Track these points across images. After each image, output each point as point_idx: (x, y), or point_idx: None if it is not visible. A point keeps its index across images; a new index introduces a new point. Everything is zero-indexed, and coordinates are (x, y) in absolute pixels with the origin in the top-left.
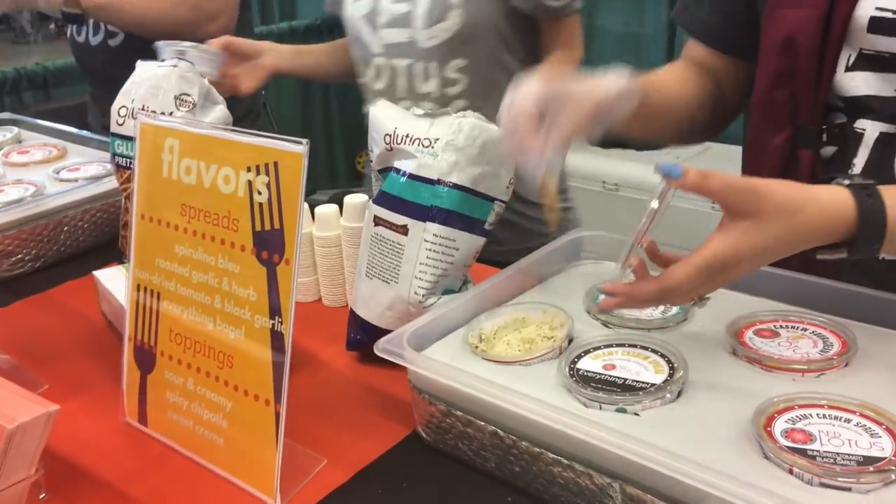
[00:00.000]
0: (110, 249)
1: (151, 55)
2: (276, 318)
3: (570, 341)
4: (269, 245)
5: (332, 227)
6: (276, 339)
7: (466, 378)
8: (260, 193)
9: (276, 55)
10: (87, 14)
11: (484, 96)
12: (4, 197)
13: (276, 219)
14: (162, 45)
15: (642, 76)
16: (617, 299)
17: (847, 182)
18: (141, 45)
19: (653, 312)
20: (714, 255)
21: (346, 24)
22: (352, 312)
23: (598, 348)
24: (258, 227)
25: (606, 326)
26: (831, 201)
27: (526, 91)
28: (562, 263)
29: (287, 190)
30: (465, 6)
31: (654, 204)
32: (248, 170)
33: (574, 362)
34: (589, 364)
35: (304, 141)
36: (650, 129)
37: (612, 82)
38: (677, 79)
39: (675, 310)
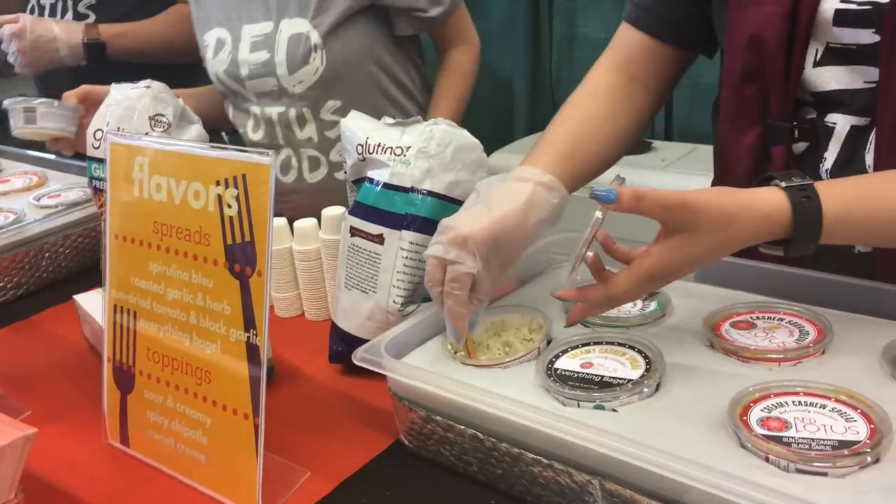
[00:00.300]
0: (93, 274)
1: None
2: (251, 330)
3: (549, 342)
4: (241, 258)
5: (311, 241)
6: (252, 352)
7: (444, 382)
8: (230, 207)
9: None
10: (108, 43)
11: None
12: None
13: (247, 231)
14: (8, 104)
15: (565, 167)
16: (580, 307)
17: (784, 184)
18: (116, 71)
19: (631, 309)
20: (652, 265)
21: (211, 77)
22: (333, 325)
23: (576, 347)
24: (229, 241)
25: (585, 326)
26: (767, 206)
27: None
28: (541, 266)
29: (256, 202)
30: (327, 46)
31: (598, 213)
32: (218, 184)
33: (552, 362)
34: (566, 363)
35: (271, 152)
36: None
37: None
38: (606, 117)
39: (652, 306)
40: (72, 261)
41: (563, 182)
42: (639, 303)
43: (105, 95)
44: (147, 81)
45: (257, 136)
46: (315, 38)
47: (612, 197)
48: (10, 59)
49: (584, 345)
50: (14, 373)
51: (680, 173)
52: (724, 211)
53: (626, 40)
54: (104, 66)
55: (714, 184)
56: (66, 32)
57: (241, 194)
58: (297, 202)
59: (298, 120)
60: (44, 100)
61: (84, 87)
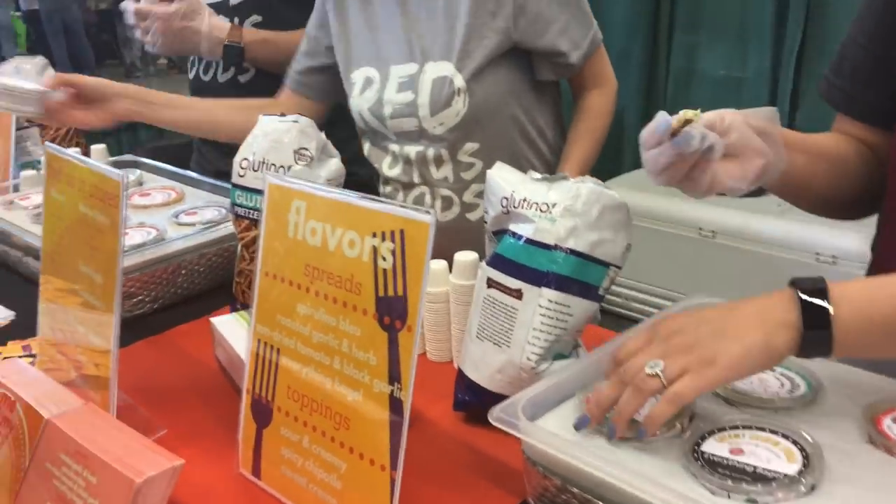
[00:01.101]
0: (223, 293)
1: (276, 90)
2: (396, 384)
3: (692, 418)
4: (392, 311)
5: (440, 283)
6: (395, 405)
7: (585, 455)
8: (384, 260)
9: (131, 103)
10: (247, 48)
11: None
12: (130, 240)
13: (400, 285)
14: None
15: (790, 136)
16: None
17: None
18: (269, 81)
19: (779, 390)
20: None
21: (353, 114)
22: (460, 372)
23: (724, 429)
24: (381, 293)
25: (728, 403)
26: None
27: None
28: None
29: (413, 258)
30: (470, 90)
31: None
32: (374, 236)
33: (698, 444)
34: (715, 447)
35: (431, 211)
36: (788, 195)
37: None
38: (833, 143)
39: (802, 388)
40: (205, 278)
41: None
42: (787, 383)
43: (88, 89)
44: (294, 116)
45: (393, 172)
46: (459, 81)
47: None
48: (149, 37)
49: (732, 427)
50: (148, 387)
51: (795, 220)
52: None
53: (840, 125)
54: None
55: (876, 243)
56: (212, 29)
57: (398, 249)
58: None
59: (436, 160)
60: (5, 80)
61: (64, 76)
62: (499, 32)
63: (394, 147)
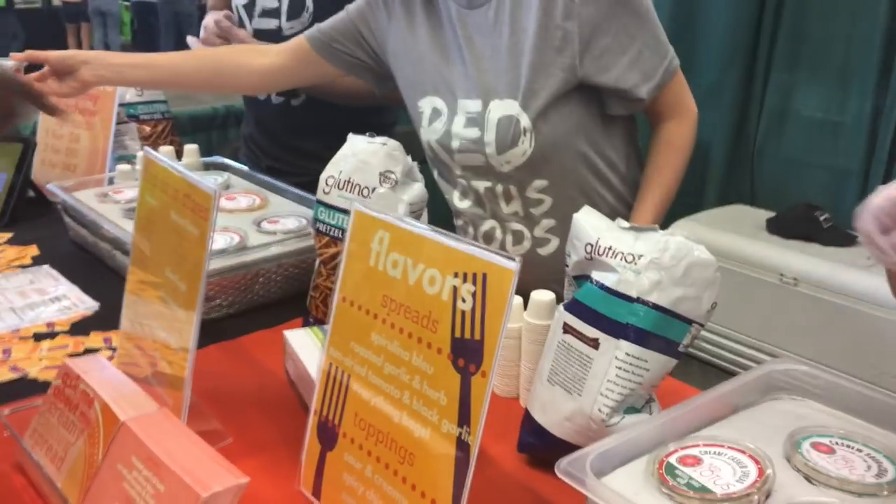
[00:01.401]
0: (297, 304)
1: (325, 113)
2: (465, 427)
3: (769, 494)
4: (467, 354)
5: (514, 320)
6: (461, 449)
7: None
8: (464, 301)
9: (96, 68)
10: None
11: (574, 209)
12: (213, 245)
13: (478, 329)
14: None
15: None
16: None
17: None
18: (320, 104)
19: (865, 474)
20: None
21: (422, 143)
22: (527, 414)
23: None
24: (458, 334)
25: (809, 481)
26: None
27: None
28: (757, 395)
29: (493, 303)
30: (536, 129)
31: None
32: (455, 276)
33: None
34: None
35: (518, 258)
36: None
37: None
38: None
39: (891, 474)
40: (281, 287)
41: None
42: (874, 467)
43: (53, 61)
44: (383, 139)
45: (463, 205)
46: (525, 121)
47: None
48: (193, 42)
49: None
50: (218, 392)
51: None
52: None
53: None
54: (315, 105)
55: None
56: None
57: (479, 292)
58: None
59: (505, 195)
60: None
61: (31, 52)
62: (564, 70)
63: (462, 181)
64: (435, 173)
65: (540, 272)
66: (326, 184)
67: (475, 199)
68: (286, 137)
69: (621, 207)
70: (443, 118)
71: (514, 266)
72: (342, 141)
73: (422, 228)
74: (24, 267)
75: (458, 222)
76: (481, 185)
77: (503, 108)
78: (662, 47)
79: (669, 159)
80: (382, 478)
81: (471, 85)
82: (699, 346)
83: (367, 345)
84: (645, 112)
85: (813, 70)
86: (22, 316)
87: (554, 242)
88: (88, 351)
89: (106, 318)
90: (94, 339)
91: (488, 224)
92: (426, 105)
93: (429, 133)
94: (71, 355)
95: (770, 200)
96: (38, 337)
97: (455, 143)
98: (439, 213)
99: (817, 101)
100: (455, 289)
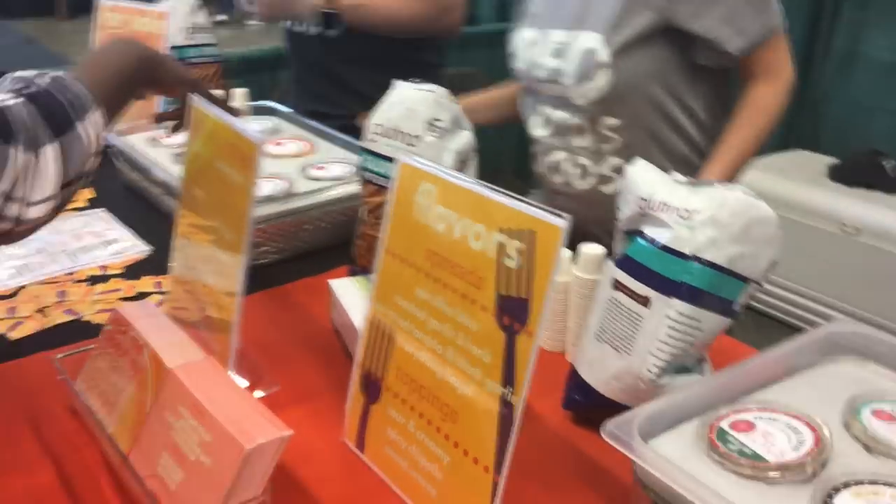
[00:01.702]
0: (343, 251)
1: (364, 46)
2: (509, 387)
3: (825, 463)
4: (513, 312)
5: (562, 274)
6: (505, 408)
7: (703, 492)
8: (510, 258)
9: None
10: (342, 14)
11: (644, 153)
12: (260, 192)
13: (524, 287)
14: None
15: None
16: None
17: None
18: (355, 39)
19: None
20: None
21: (515, 71)
22: (573, 370)
23: (862, 483)
24: (503, 291)
25: (868, 451)
26: None
27: None
28: (816, 356)
29: (541, 261)
30: (615, 66)
31: None
32: (501, 232)
33: (830, 496)
34: (849, 502)
35: (566, 216)
36: None
37: None
38: None
39: None
40: (328, 234)
41: None
42: None
43: None
44: (431, 86)
45: (538, 133)
46: (604, 55)
47: None
48: (250, 7)
49: (871, 482)
50: (265, 340)
51: None
52: None
53: None
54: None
55: None
56: None
57: (526, 250)
58: (559, 205)
59: (577, 128)
60: None
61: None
62: (654, 9)
63: (542, 108)
64: (521, 101)
65: (599, 211)
66: (373, 132)
67: (550, 128)
68: (327, 69)
69: (696, 159)
70: (534, 49)
71: (562, 223)
72: (383, 77)
73: (469, 182)
74: (79, 210)
75: (533, 150)
76: (558, 115)
77: (587, 40)
78: (766, 4)
79: (752, 119)
80: (425, 434)
81: (565, 16)
82: (754, 297)
83: (411, 299)
84: (739, 68)
85: (884, 9)
86: (76, 259)
87: (619, 182)
88: (141, 295)
89: (158, 262)
90: (146, 282)
91: (559, 155)
92: (523, 35)
93: (519, 61)
94: (123, 299)
95: (834, 146)
96: (93, 280)
97: (541, 73)
98: (487, 162)
99: (888, 41)
100: (502, 245)
